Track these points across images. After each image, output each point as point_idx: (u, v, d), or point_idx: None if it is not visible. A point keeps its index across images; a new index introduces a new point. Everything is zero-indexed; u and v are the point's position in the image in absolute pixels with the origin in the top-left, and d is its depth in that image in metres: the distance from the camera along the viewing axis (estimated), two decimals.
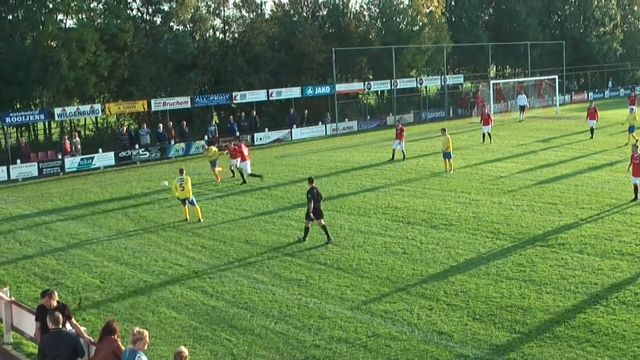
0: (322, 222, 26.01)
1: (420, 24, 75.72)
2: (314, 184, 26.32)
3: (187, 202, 30.68)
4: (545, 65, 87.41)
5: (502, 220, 27.56)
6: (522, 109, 67.96)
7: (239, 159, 39.91)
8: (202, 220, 30.40)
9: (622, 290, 19.25)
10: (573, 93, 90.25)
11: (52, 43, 50.36)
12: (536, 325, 17.15)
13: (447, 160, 39.72)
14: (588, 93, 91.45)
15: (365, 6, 75.74)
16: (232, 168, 41.11)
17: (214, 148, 42.42)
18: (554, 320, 17.38)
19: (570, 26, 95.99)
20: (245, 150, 40.06)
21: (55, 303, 14.61)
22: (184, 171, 31.52)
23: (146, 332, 12.86)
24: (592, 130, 50.84)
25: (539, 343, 16.17)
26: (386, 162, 43.94)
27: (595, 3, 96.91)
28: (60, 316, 13.56)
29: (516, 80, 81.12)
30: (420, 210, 29.96)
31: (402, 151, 44.43)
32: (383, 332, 17.27)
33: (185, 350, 12.50)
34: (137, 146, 51.59)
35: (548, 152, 45.06)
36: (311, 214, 25.78)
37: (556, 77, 77.43)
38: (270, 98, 61.16)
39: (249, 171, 39.72)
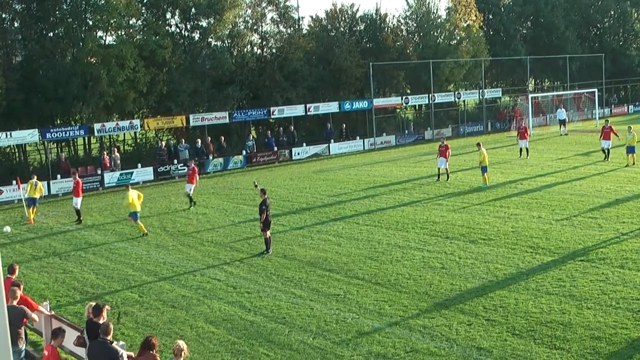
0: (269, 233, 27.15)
1: (458, 37, 75.57)
2: (266, 195, 27.42)
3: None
4: (585, 78, 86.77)
5: (541, 234, 27.33)
6: (563, 122, 67.39)
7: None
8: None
9: None
10: (613, 106, 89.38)
11: (92, 60, 50.85)
12: (577, 341, 16.95)
13: (483, 174, 39.69)
14: (628, 106, 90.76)
15: (402, 21, 75.53)
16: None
17: (40, 183, 38.54)
18: (594, 336, 17.17)
19: (610, 39, 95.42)
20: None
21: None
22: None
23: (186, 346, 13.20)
24: (604, 150, 46.86)
25: (579, 359, 15.99)
26: (425, 177, 43.78)
27: (635, 15, 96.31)
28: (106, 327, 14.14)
29: (555, 93, 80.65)
30: (458, 225, 29.81)
31: (446, 169, 42.70)
32: (421, 347, 17.18)
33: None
34: (175, 161, 51.90)
35: (587, 165, 44.65)
36: (269, 223, 26.95)
37: (595, 90, 76.69)
38: (308, 113, 61.33)
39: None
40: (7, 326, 5.01)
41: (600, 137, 47.52)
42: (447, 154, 42.71)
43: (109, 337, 14.02)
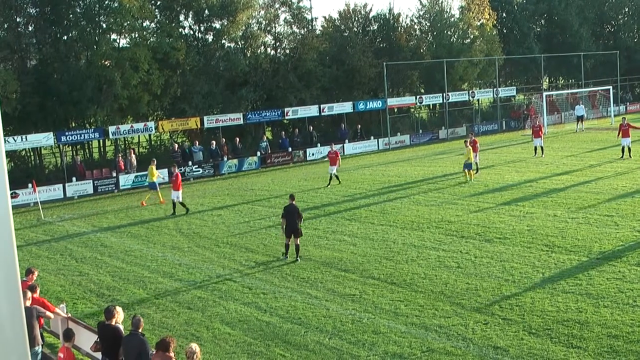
0: (297, 241, 26.13)
1: (472, 36, 75.55)
2: (293, 202, 26.54)
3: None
4: (599, 75, 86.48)
5: (557, 233, 27.22)
6: (581, 119, 67.21)
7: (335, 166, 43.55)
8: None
9: None
10: (628, 103, 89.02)
11: (106, 62, 51.03)
12: (594, 339, 16.86)
13: (467, 170, 40.62)
14: None
15: (416, 20, 75.64)
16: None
17: (153, 167, 41.78)
18: (612, 334, 17.09)
19: (624, 36, 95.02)
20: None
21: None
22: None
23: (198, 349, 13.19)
24: (624, 149, 45.77)
25: (596, 358, 15.91)
26: (439, 176, 43.73)
27: None
28: (141, 320, 14.67)
29: (570, 91, 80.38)
30: (474, 224, 29.74)
31: (476, 163, 43.40)
32: (438, 347, 17.13)
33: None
34: (190, 163, 51.97)
35: (603, 163, 44.44)
36: (282, 229, 26.29)
37: (610, 87, 76.39)
38: (322, 113, 61.33)
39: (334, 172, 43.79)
40: (25, 328, 5.03)
41: (619, 135, 46.57)
42: (476, 147, 43.49)
43: (140, 330, 14.41)
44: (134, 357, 14.07)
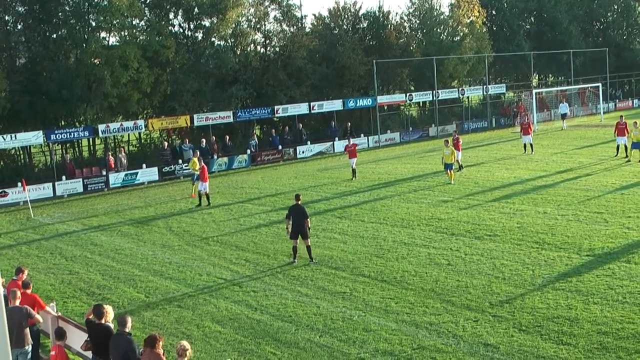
0: (308, 242, 25.48)
1: (461, 34, 75.54)
2: (299, 202, 26.11)
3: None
4: (589, 73, 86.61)
5: (547, 230, 27.28)
6: (564, 117, 67.38)
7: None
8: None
9: None
10: (617, 101, 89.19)
11: (96, 61, 50.83)
12: (584, 336, 16.92)
13: (448, 171, 40.25)
14: (633, 100, 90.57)
15: (405, 18, 75.59)
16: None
17: (195, 159, 41.39)
18: (601, 331, 17.14)
19: (613, 33, 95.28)
20: None
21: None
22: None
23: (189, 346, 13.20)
24: (619, 147, 44.82)
25: (586, 354, 15.96)
26: (429, 174, 43.73)
27: (639, 9, 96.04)
28: (128, 320, 14.54)
29: (559, 88, 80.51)
30: (464, 222, 29.77)
31: (458, 161, 43.32)
32: (428, 344, 17.16)
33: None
34: (180, 161, 51.87)
35: (592, 160, 44.51)
36: (287, 231, 25.68)
37: (600, 84, 76.45)
38: (312, 111, 61.31)
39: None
40: (6, 326, 5.02)
41: (615, 133, 45.65)
42: (459, 146, 43.91)
43: (127, 329, 14.36)
44: (120, 357, 14.05)
